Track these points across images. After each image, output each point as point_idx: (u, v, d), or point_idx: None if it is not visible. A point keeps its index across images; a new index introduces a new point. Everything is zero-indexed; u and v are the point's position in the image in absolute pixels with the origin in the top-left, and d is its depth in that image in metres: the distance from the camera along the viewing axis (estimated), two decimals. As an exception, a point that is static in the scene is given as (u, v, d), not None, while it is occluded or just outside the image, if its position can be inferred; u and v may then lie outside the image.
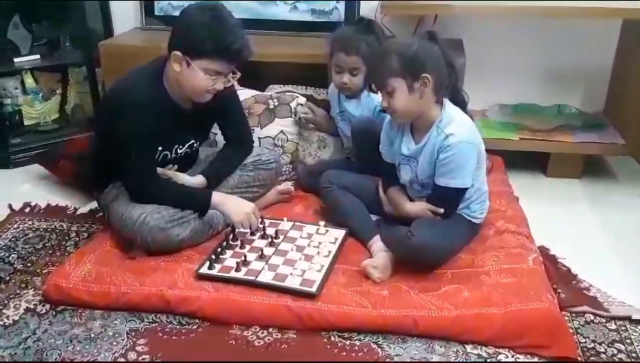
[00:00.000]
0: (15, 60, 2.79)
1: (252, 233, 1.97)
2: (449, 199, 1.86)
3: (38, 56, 2.85)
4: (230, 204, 1.96)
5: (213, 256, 1.84)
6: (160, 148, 1.95)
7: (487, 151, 2.55)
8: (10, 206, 2.34)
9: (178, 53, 1.82)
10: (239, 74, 1.91)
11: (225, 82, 1.90)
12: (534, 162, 2.73)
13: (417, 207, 1.92)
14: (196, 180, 2.03)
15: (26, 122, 2.90)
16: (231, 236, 1.95)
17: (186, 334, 1.66)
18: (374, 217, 2.06)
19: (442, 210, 1.87)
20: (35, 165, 2.63)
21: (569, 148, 2.64)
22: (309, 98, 2.54)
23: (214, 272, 1.79)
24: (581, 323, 1.72)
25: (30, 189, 2.52)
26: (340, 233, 2.01)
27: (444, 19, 2.77)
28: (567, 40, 2.85)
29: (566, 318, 1.72)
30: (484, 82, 2.91)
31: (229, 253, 1.88)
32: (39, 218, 2.27)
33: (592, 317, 1.74)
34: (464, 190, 1.85)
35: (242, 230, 1.95)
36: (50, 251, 2.05)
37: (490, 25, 2.84)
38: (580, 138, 2.67)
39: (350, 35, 2.17)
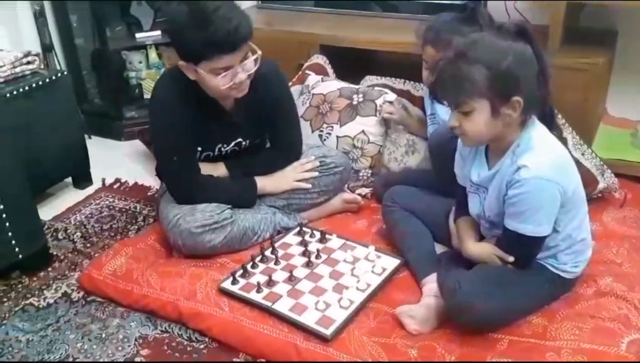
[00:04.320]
0: (138, 35, 2.87)
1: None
2: (519, 248, 1.46)
3: (159, 32, 2.90)
4: (271, 185, 1.89)
5: (241, 270, 1.68)
6: (199, 149, 1.83)
7: (628, 178, 2.03)
8: (103, 181, 2.43)
9: (182, 63, 1.66)
10: (258, 54, 1.68)
11: (246, 68, 1.67)
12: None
13: (481, 250, 1.54)
14: None
15: (146, 96, 2.99)
16: (270, 250, 1.77)
17: (190, 353, 1.55)
18: (440, 248, 1.73)
19: (511, 259, 1.48)
20: (143, 140, 2.71)
21: None
22: (406, 94, 2.22)
23: (235, 289, 1.63)
24: None
25: (130, 164, 2.60)
26: (392, 262, 1.72)
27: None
28: None
29: None
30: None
31: (260, 267, 1.72)
32: (121, 196, 2.32)
33: None
34: (541, 239, 1.43)
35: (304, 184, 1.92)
36: (112, 234, 2.08)
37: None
38: None
39: (442, 26, 1.80)
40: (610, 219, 1.89)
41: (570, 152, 1.83)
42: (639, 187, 2.04)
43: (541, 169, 1.37)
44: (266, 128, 1.93)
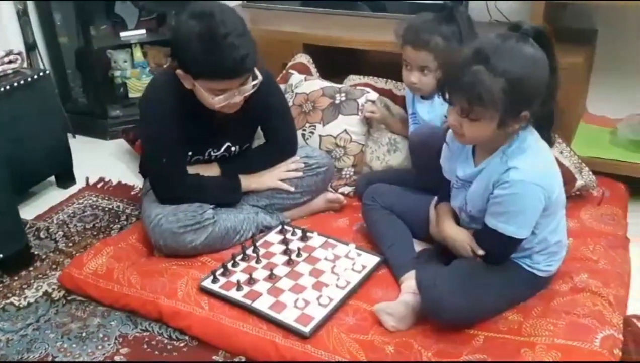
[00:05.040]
0: (122, 34, 2.88)
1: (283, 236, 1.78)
2: (495, 246, 1.47)
3: (144, 31, 2.91)
4: (255, 182, 1.90)
5: (221, 269, 1.69)
6: (190, 153, 1.84)
7: (607, 175, 2.06)
8: (86, 180, 2.43)
9: (181, 72, 1.65)
10: (258, 80, 1.70)
11: (243, 91, 1.68)
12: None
13: (457, 234, 1.55)
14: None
15: (131, 95, 2.99)
16: (251, 248, 1.78)
17: (169, 351, 1.55)
18: (419, 246, 1.74)
19: (481, 252, 1.49)
20: (128, 139, 2.71)
21: None
22: (388, 93, 2.23)
23: (215, 287, 1.64)
24: None
25: (114, 163, 2.60)
26: (372, 260, 1.73)
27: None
28: None
29: None
30: (623, 84, 2.32)
31: (241, 266, 1.72)
32: (105, 195, 2.32)
33: None
34: (518, 241, 1.44)
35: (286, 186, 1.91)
36: (95, 233, 2.08)
37: (636, 13, 2.21)
38: None
39: (420, 25, 1.81)
40: (587, 217, 1.91)
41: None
42: (616, 185, 2.06)
43: (531, 173, 1.38)
44: (261, 128, 1.94)
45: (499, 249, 1.48)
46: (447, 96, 1.40)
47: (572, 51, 2.08)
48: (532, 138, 1.44)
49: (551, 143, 1.52)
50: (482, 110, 1.34)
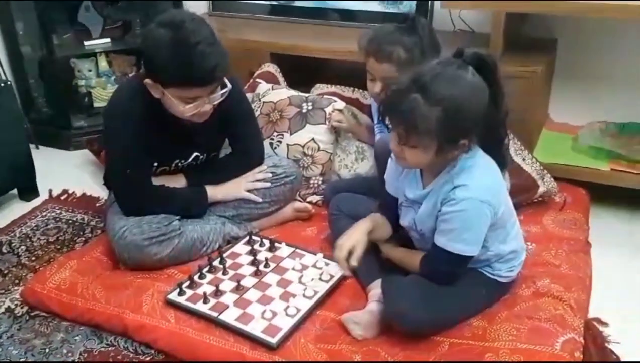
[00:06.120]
0: (86, 43, 2.83)
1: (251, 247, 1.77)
2: (445, 264, 1.47)
3: (108, 40, 2.87)
4: (222, 192, 1.88)
5: (187, 281, 1.68)
6: (156, 164, 1.82)
7: (569, 181, 2.11)
8: (50, 192, 2.38)
9: (149, 81, 1.64)
10: (228, 88, 1.70)
11: (212, 100, 1.68)
12: (633, 199, 2.16)
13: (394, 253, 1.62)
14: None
15: (96, 105, 2.94)
16: (218, 259, 1.77)
17: (135, 366, 1.53)
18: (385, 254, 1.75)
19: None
20: (92, 149, 2.67)
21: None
22: (355, 102, 2.25)
23: (181, 300, 1.63)
24: None
25: (79, 174, 2.56)
26: (340, 269, 1.73)
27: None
28: None
29: None
30: (584, 92, 2.38)
31: (208, 278, 1.71)
32: (69, 208, 2.28)
33: None
34: (467, 258, 1.46)
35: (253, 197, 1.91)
36: (59, 246, 2.04)
37: (595, 23, 2.27)
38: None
39: (382, 37, 1.83)
40: (550, 222, 1.95)
41: (511, 157, 1.90)
42: (578, 190, 2.11)
43: (477, 190, 1.40)
44: (227, 136, 1.93)
45: (448, 268, 1.48)
46: (387, 122, 1.42)
47: (533, 59, 2.13)
48: (477, 155, 1.46)
49: (505, 165, 1.53)
50: (418, 138, 1.35)
